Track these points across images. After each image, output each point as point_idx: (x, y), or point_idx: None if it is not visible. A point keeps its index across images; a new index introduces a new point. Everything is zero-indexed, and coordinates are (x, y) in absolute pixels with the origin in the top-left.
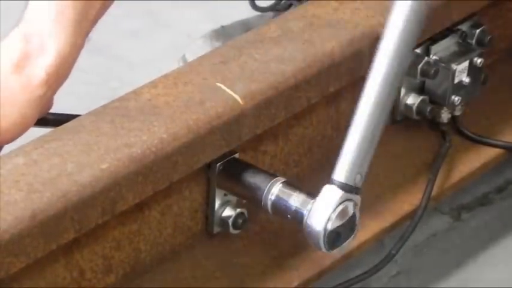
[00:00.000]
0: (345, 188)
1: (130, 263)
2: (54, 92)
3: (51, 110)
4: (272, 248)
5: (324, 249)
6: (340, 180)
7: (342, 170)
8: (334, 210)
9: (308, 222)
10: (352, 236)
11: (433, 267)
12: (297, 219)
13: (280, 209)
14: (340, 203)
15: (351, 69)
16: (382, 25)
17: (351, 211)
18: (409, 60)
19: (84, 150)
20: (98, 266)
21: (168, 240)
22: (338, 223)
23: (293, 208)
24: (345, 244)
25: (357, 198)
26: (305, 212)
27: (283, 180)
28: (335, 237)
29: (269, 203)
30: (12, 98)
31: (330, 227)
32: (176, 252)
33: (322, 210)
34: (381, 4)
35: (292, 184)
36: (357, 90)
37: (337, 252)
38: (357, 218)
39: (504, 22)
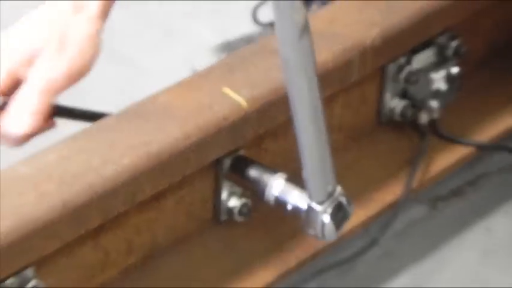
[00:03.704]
0: (323, 201)
1: (148, 246)
2: (101, 31)
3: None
4: (272, 233)
5: (321, 239)
6: (316, 200)
7: (314, 192)
8: (324, 215)
9: (305, 228)
10: (346, 221)
11: (412, 249)
12: (296, 212)
13: (281, 202)
14: (325, 211)
15: (342, 76)
16: (370, 37)
17: (342, 203)
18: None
19: (108, 147)
20: (120, 248)
21: (181, 226)
22: (333, 217)
23: (293, 203)
24: (339, 231)
25: (338, 191)
26: (303, 208)
27: (284, 177)
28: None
29: (271, 197)
30: (80, 36)
31: (327, 222)
32: (188, 237)
33: (313, 222)
34: (369, 19)
35: (293, 180)
36: (347, 95)
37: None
38: (346, 204)
39: (478, 35)
